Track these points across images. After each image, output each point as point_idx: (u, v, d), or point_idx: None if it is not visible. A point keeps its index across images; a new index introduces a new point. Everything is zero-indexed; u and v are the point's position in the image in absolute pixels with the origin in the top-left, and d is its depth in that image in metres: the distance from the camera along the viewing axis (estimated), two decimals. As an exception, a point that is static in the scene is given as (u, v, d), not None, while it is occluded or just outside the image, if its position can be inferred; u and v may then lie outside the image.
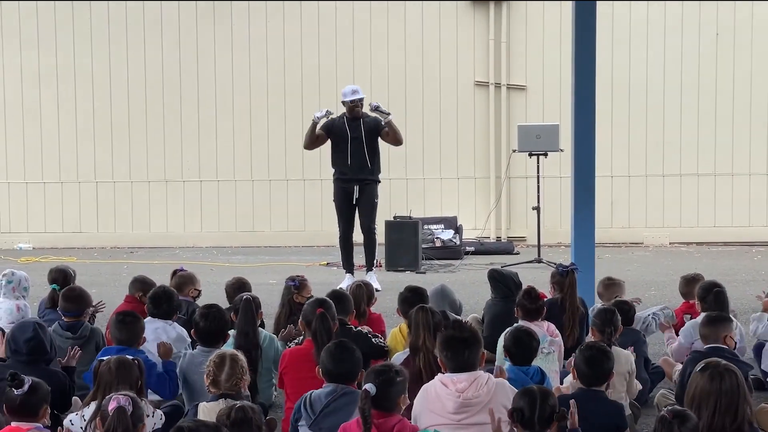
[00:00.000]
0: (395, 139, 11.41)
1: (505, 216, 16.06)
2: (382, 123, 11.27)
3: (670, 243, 15.81)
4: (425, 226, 13.97)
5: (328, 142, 11.56)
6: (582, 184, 9.09)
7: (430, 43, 15.91)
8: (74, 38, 16.16)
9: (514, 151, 14.38)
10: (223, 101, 16.11)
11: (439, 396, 5.15)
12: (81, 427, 5.17)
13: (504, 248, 15.09)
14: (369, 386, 4.73)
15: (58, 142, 16.29)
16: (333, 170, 11.60)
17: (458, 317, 7.46)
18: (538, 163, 13.52)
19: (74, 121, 16.23)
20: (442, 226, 14.61)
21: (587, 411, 5.13)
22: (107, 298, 8.50)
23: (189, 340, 6.91)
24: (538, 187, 13.54)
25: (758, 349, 7.40)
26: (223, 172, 16.20)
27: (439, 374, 5.32)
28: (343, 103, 11.45)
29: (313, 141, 11.59)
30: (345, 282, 11.25)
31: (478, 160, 16.09)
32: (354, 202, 11.45)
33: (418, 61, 15.82)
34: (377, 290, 8.78)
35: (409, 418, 5.09)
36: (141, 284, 7.88)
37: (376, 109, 11.29)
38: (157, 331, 6.82)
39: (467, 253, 14.60)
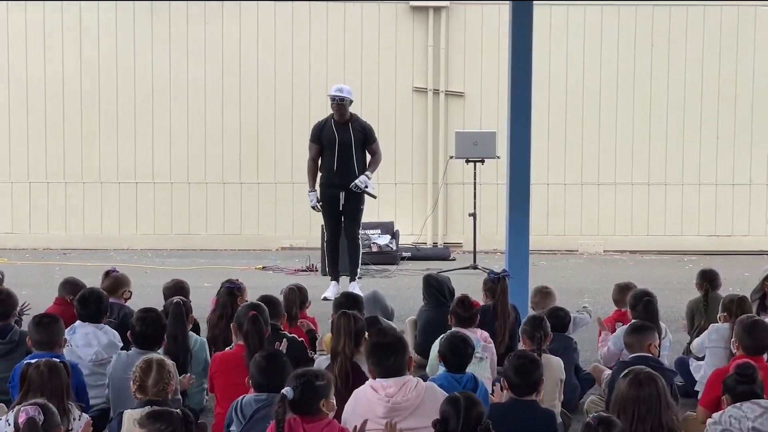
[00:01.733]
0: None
1: (442, 222, 16.11)
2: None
3: (604, 251, 15.98)
4: (362, 231, 13.96)
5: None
6: (517, 191, 9.16)
7: (369, 48, 15.91)
8: (8, 36, 15.90)
9: (451, 157, 14.44)
10: (160, 102, 15.96)
11: (369, 401, 5.16)
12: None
13: (440, 254, 15.15)
14: (286, 390, 4.69)
15: (-10, 141, 16.03)
16: (320, 174, 11.52)
17: (390, 323, 7.49)
18: (475, 169, 13.59)
19: (7, 120, 15.96)
20: (379, 232, 14.63)
21: (520, 420, 5.16)
22: (38, 301, 8.38)
23: (120, 345, 6.82)
24: (475, 193, 13.61)
25: (681, 364, 7.49)
26: (159, 174, 16.05)
27: (369, 380, 5.33)
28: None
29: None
30: (330, 290, 11.19)
31: (416, 165, 16.12)
32: (340, 209, 11.38)
33: (357, 67, 15.81)
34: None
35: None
36: (71, 286, 7.76)
37: (355, 187, 11.31)
38: (87, 336, 6.73)
39: (403, 258, 14.63)
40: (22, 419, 4.33)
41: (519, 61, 9.06)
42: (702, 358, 7.24)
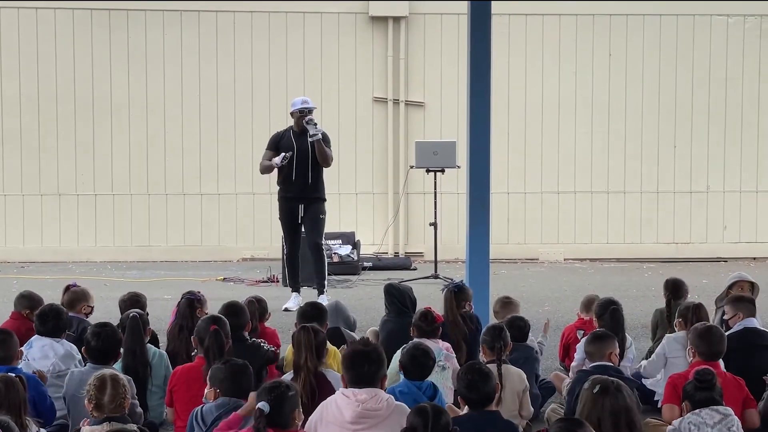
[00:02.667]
0: (323, 159, 11.08)
1: (403, 231, 16.13)
2: (308, 139, 10.96)
3: (564, 259, 16.07)
4: (324, 242, 13.93)
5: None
6: (477, 200, 9.17)
7: (329, 58, 15.92)
8: (-36, 47, 15.76)
9: (411, 167, 14.46)
10: (118, 113, 15.85)
11: (339, 407, 5.15)
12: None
13: (401, 264, 15.16)
14: (262, 404, 4.70)
15: (-54, 153, 15.86)
16: (278, 187, 11.32)
17: (353, 334, 7.48)
18: (435, 179, 13.61)
19: (-37, 132, 15.81)
20: (340, 242, 14.62)
21: (479, 430, 5.16)
22: (-3, 314, 8.28)
23: (78, 356, 6.77)
24: (435, 203, 13.63)
25: (635, 377, 7.52)
26: (118, 186, 15.94)
27: (341, 388, 5.33)
28: (292, 114, 11.23)
29: (269, 171, 11.35)
30: (291, 301, 11.08)
31: (377, 175, 16.14)
32: (299, 221, 11.23)
33: (317, 76, 15.81)
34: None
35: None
36: (27, 300, 7.67)
37: (307, 123, 10.96)
38: (44, 349, 6.67)
39: (365, 268, 14.62)
40: None
41: (478, 70, 9.08)
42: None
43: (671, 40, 16.00)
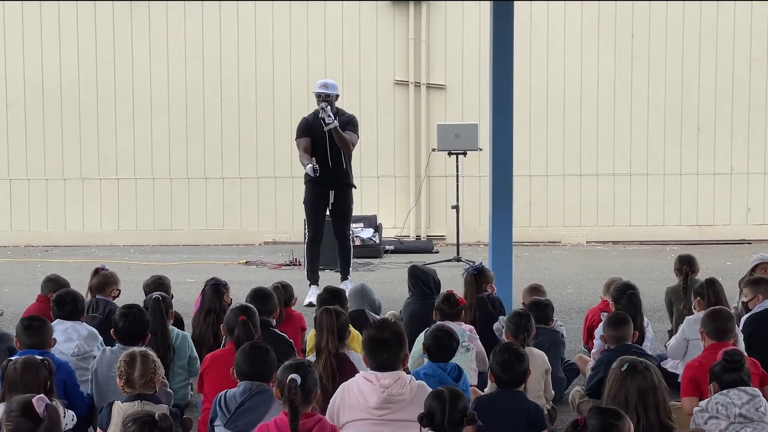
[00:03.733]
0: (343, 145, 10.67)
1: (425, 215, 16.13)
2: (324, 127, 10.57)
3: (586, 242, 16.03)
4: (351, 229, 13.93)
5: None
6: (500, 183, 9.15)
7: (350, 42, 15.90)
8: (-13, 33, 15.84)
9: (433, 150, 14.45)
10: (140, 97, 15.91)
11: (361, 391, 5.15)
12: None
13: (423, 247, 15.16)
14: (294, 376, 4.72)
15: (-31, 138, 15.96)
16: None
17: (377, 316, 7.48)
18: (457, 162, 13.60)
19: (-13, 117, 15.91)
20: (362, 225, 14.62)
21: (506, 411, 5.17)
22: (20, 298, 8.36)
23: (101, 338, 6.83)
24: (457, 186, 13.62)
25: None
26: (140, 170, 16.00)
27: (361, 371, 5.33)
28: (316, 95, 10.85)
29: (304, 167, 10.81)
30: (311, 295, 10.55)
31: (398, 159, 16.13)
32: (327, 207, 10.82)
33: (338, 61, 15.80)
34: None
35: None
36: (54, 284, 7.73)
37: (321, 111, 10.53)
38: (67, 331, 6.71)
39: (387, 251, 14.63)
40: (41, 408, 4.33)
41: (500, 53, 9.05)
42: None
43: (695, 21, 15.89)
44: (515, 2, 9.15)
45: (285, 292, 7.65)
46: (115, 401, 5.24)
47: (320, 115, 10.60)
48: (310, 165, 10.56)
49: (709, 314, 6.30)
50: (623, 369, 4.91)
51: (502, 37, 9.05)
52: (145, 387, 5.20)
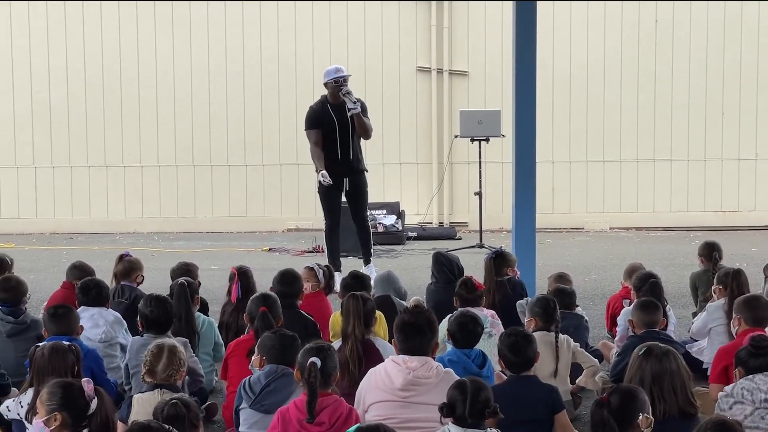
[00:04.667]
0: (363, 132, 10.63)
1: (448, 201, 16.12)
2: (347, 113, 10.47)
3: (610, 228, 15.98)
4: (368, 212, 13.95)
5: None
6: (523, 169, 9.15)
7: (373, 29, 15.88)
8: (11, 22, 15.90)
9: (456, 136, 14.43)
10: (164, 85, 15.96)
11: (388, 373, 5.19)
12: (18, 414, 5.17)
13: (446, 233, 15.15)
14: (315, 359, 4.77)
15: (-5, 126, 16.05)
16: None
17: (403, 302, 7.51)
18: (480, 148, 13.58)
19: (11, 105, 15.98)
20: (385, 212, 14.63)
21: (520, 396, 5.18)
22: (46, 285, 8.43)
23: (125, 324, 6.90)
24: (480, 172, 13.60)
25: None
26: (164, 158, 16.06)
27: (391, 356, 5.37)
28: (326, 85, 10.62)
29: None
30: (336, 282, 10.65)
31: (421, 145, 16.12)
32: (343, 196, 10.79)
33: (361, 47, 15.79)
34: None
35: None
36: (80, 271, 7.82)
37: (345, 95, 10.42)
38: (93, 318, 6.78)
39: (409, 238, 14.63)
40: (89, 389, 4.41)
41: (523, 38, 9.02)
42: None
43: (719, 5, 15.76)
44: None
45: (329, 272, 7.70)
46: (135, 394, 5.29)
47: (345, 98, 10.42)
48: (322, 174, 10.51)
49: (746, 301, 6.30)
50: (640, 353, 4.93)
51: (524, 22, 9.03)
52: (165, 380, 5.24)
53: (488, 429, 4.54)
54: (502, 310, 7.29)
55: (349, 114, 10.51)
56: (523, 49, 9.04)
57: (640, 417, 4.34)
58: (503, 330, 6.78)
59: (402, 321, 5.37)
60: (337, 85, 10.51)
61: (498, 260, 7.73)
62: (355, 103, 10.50)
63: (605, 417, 4.32)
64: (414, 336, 5.26)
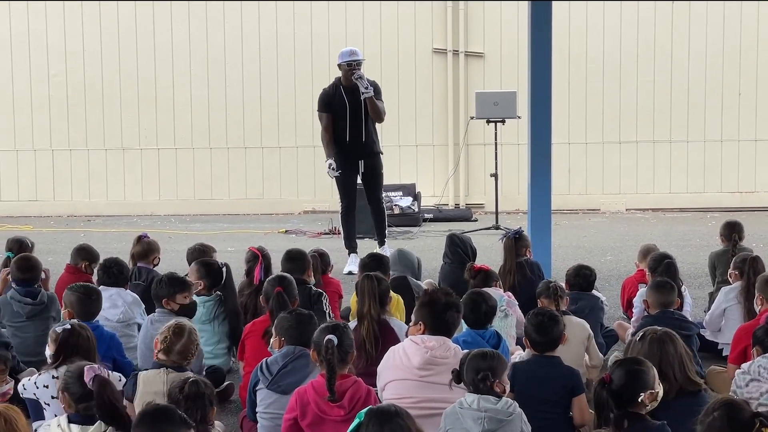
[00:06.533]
0: (376, 115, 10.61)
1: (464, 183, 16.11)
2: (361, 96, 10.46)
3: (626, 209, 15.95)
4: (384, 194, 13.96)
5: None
6: (539, 151, 9.14)
7: (388, 10, 15.85)
8: (28, 5, 15.94)
9: (472, 118, 14.42)
10: (180, 68, 15.98)
11: (406, 352, 5.23)
12: (33, 393, 5.21)
13: (462, 215, 15.16)
14: (331, 336, 4.81)
15: (12, 110, 16.11)
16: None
17: (419, 282, 7.55)
18: (495, 130, 13.57)
19: (29, 88, 16.04)
20: (401, 194, 14.64)
21: (542, 376, 5.21)
22: (63, 267, 8.45)
23: (143, 305, 6.95)
24: (496, 154, 13.60)
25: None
26: (180, 140, 16.11)
27: (410, 336, 5.41)
28: (339, 66, 10.61)
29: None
30: (351, 264, 10.58)
31: (436, 127, 16.11)
32: (359, 178, 10.81)
33: (377, 29, 15.77)
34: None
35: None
36: (86, 253, 7.83)
37: (358, 79, 10.40)
38: (112, 298, 6.83)
39: (425, 220, 14.65)
40: (89, 377, 4.43)
41: (539, 19, 9.01)
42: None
43: (736, -14, 15.68)
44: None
45: (321, 260, 7.71)
46: (139, 372, 5.31)
47: (358, 82, 10.42)
48: (329, 164, 10.59)
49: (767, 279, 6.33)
50: (637, 338, 4.97)
51: (540, 4, 9.01)
52: (177, 361, 5.24)
53: (504, 398, 4.62)
54: (522, 291, 7.31)
55: (362, 97, 10.50)
56: (539, 31, 9.03)
57: (644, 395, 4.36)
58: (520, 311, 6.83)
59: (430, 300, 5.42)
60: (350, 68, 10.49)
61: (518, 241, 7.77)
62: (367, 87, 10.47)
63: (605, 398, 4.36)
64: (442, 319, 5.34)
